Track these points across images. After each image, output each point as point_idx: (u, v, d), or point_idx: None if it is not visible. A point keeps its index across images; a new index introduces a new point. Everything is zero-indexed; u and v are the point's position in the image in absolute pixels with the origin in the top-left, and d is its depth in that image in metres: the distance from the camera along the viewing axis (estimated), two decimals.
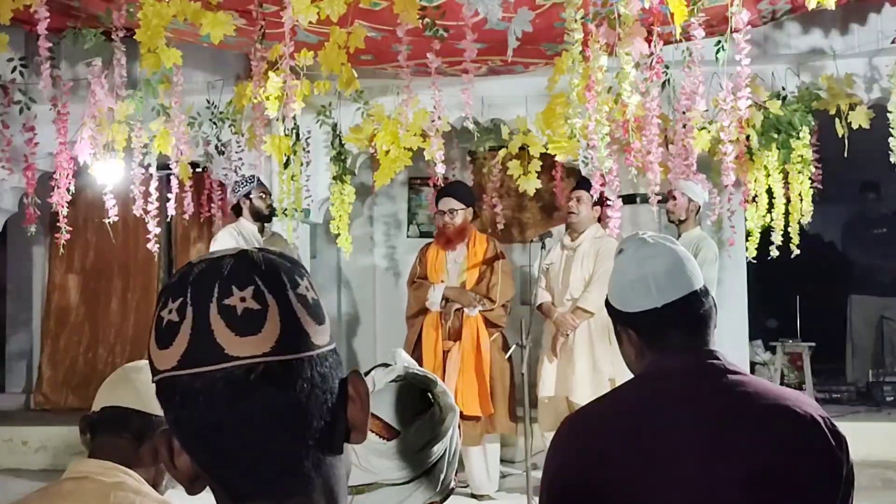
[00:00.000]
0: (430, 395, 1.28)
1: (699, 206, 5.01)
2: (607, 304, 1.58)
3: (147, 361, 1.87)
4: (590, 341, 4.86)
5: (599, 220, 5.18)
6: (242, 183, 5.28)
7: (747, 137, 5.31)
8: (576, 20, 3.67)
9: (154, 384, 0.79)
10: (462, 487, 4.95)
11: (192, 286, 0.77)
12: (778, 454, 1.36)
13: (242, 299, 0.75)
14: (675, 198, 4.87)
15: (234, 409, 0.75)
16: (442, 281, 5.08)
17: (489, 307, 5.04)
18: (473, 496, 5.06)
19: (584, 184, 5.15)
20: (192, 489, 0.80)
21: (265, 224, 5.40)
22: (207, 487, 0.81)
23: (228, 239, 5.18)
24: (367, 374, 1.30)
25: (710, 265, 4.75)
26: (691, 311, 1.48)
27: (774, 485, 1.34)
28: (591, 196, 4.97)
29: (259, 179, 5.34)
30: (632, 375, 1.58)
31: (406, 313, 5.25)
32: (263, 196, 5.28)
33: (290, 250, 5.49)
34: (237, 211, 5.31)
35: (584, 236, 5.00)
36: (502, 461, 5.79)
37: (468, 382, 4.87)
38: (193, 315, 0.75)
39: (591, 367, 4.82)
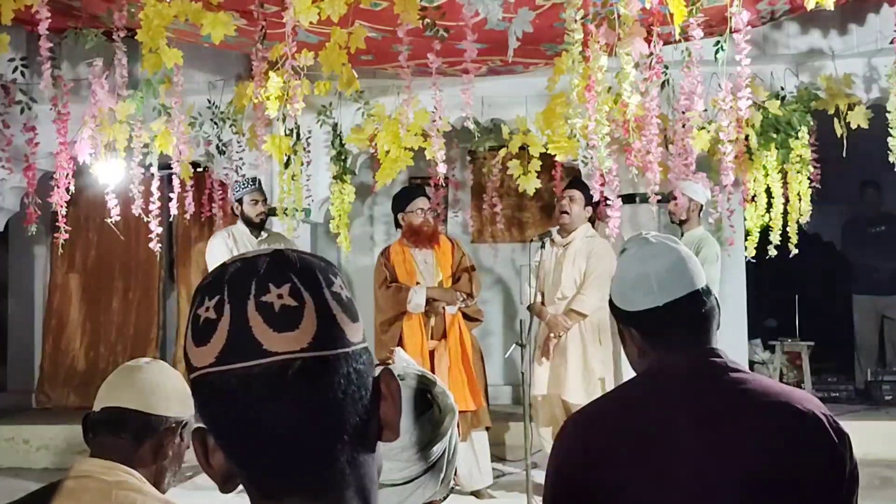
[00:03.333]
0: (429, 395, 1.29)
1: (701, 206, 5.02)
2: (610, 303, 1.59)
3: (147, 360, 1.88)
4: (581, 341, 4.88)
5: (592, 220, 5.20)
6: (238, 186, 5.28)
7: (746, 137, 5.32)
8: (576, 20, 3.68)
9: (189, 381, 0.80)
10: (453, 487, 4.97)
11: (229, 284, 0.78)
12: (781, 451, 1.37)
13: (279, 296, 0.76)
14: (676, 198, 4.89)
15: (272, 404, 0.75)
16: (418, 282, 5.09)
17: (470, 303, 5.12)
18: (473, 494, 5.08)
19: (576, 183, 5.18)
20: (225, 488, 0.81)
21: (262, 229, 5.38)
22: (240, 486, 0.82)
23: (220, 243, 5.18)
24: None
25: (712, 264, 4.76)
26: (693, 310, 1.49)
27: (778, 482, 1.35)
28: (584, 196, 5.01)
29: (258, 183, 5.31)
30: (623, 375, 1.59)
31: (378, 318, 5.15)
32: (255, 202, 5.23)
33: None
34: (234, 213, 5.32)
35: (574, 235, 5.02)
36: (501, 459, 5.81)
37: (456, 379, 4.92)
38: (231, 312, 0.76)
39: (583, 367, 4.85)
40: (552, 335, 4.91)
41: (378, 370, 0.85)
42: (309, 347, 0.76)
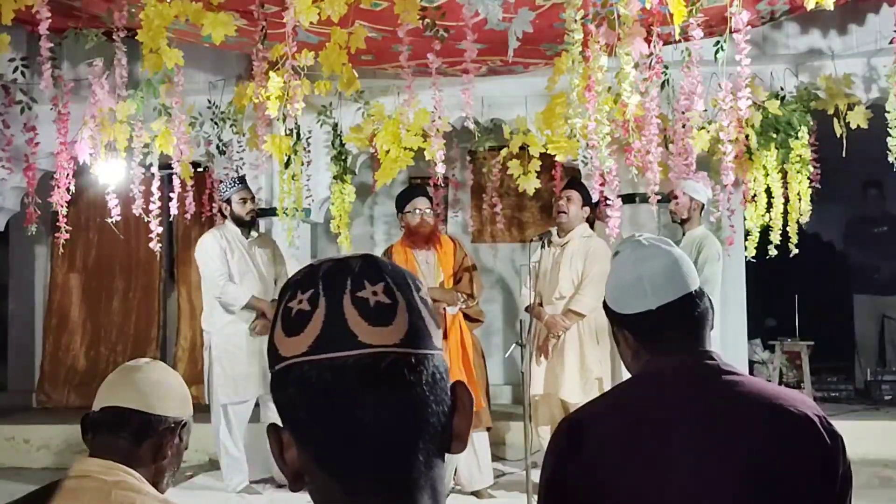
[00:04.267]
0: None
1: (702, 205, 5.02)
2: (604, 305, 1.59)
3: (146, 360, 1.88)
4: (579, 341, 4.88)
5: (591, 220, 5.21)
6: (225, 187, 5.28)
7: (746, 137, 5.32)
8: (576, 20, 3.68)
9: (273, 373, 0.80)
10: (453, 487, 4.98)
11: (324, 279, 0.80)
12: (774, 454, 1.37)
13: (374, 293, 0.78)
14: (676, 197, 4.89)
15: (362, 395, 0.77)
16: None
17: (471, 304, 5.13)
18: (473, 494, 5.08)
19: (573, 184, 5.19)
20: (296, 485, 0.81)
21: (251, 227, 5.39)
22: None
23: (212, 241, 5.19)
24: None
25: (713, 263, 4.77)
26: (687, 313, 1.49)
27: (770, 484, 1.35)
28: (581, 196, 5.02)
29: (244, 182, 5.32)
30: (621, 375, 1.60)
31: None
32: (244, 201, 5.25)
33: (278, 252, 5.50)
34: (223, 214, 5.32)
35: (572, 235, 5.02)
36: (501, 459, 5.82)
37: (457, 378, 4.91)
38: (327, 304, 0.78)
39: (580, 366, 4.85)
40: (551, 335, 4.92)
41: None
42: (401, 343, 0.78)
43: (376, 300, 0.78)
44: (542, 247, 4.90)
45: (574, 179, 5.40)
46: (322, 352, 0.77)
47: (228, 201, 5.25)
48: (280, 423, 0.82)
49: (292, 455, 0.80)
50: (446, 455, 0.84)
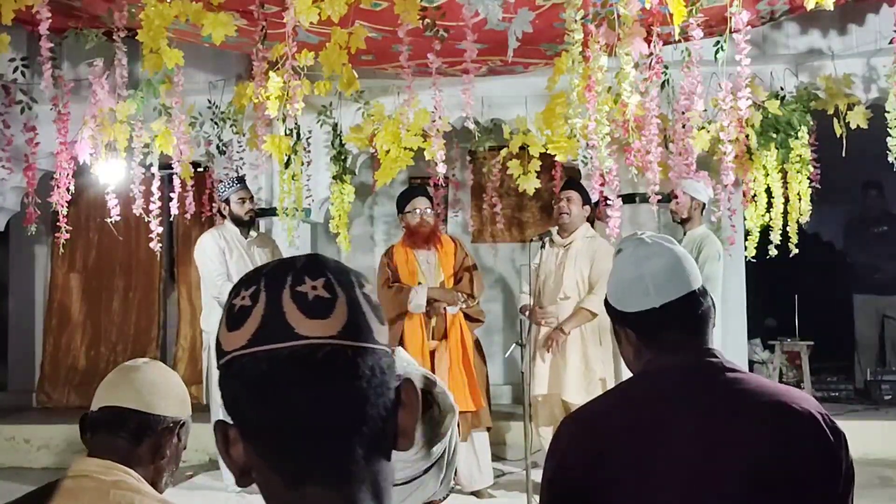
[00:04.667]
0: (429, 395, 1.29)
1: (703, 205, 5.02)
2: (606, 303, 1.59)
3: (144, 360, 1.89)
4: (582, 341, 4.89)
5: (591, 220, 5.21)
6: (224, 187, 5.29)
7: (746, 137, 5.32)
8: (576, 20, 3.68)
9: (218, 369, 0.82)
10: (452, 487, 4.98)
11: (266, 276, 0.81)
12: (776, 451, 1.37)
13: (314, 287, 0.80)
14: (677, 197, 4.89)
15: (299, 387, 0.78)
16: (419, 283, 5.10)
17: (472, 304, 5.13)
18: (473, 494, 5.08)
19: (572, 184, 5.19)
20: (243, 480, 0.82)
21: (250, 227, 5.40)
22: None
23: (211, 241, 5.20)
24: None
25: (714, 262, 4.77)
26: (689, 311, 1.49)
27: (773, 481, 1.35)
28: (581, 196, 5.03)
29: (243, 182, 5.34)
30: (624, 375, 1.60)
31: None
32: (242, 201, 5.26)
33: (277, 252, 5.51)
34: (222, 214, 5.33)
35: (575, 235, 5.03)
36: (501, 459, 5.82)
37: (457, 379, 4.92)
38: (266, 299, 0.79)
39: (583, 366, 4.85)
40: (550, 341, 4.89)
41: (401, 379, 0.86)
42: (339, 335, 0.78)
43: (315, 294, 0.79)
44: (542, 247, 4.91)
45: (572, 179, 5.40)
46: (260, 344, 0.78)
47: (227, 201, 5.26)
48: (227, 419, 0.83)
49: (238, 451, 0.81)
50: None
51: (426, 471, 1.26)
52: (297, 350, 0.77)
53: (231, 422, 0.82)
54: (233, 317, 0.80)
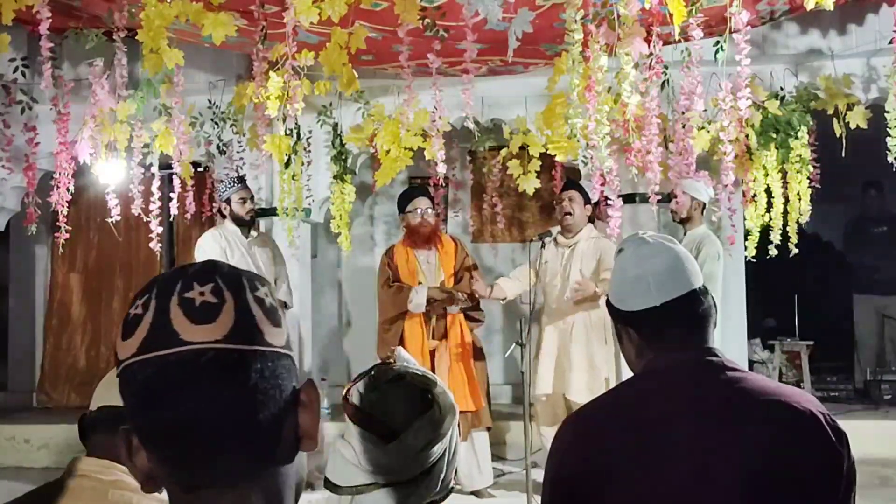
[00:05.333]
0: (429, 395, 1.30)
1: (704, 205, 5.03)
2: (607, 302, 1.60)
3: None
4: (587, 340, 4.89)
5: (591, 220, 5.21)
6: (225, 186, 5.29)
7: (746, 137, 5.32)
8: (576, 21, 3.69)
9: (117, 377, 0.82)
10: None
11: (158, 285, 0.83)
12: (777, 450, 1.37)
13: (202, 293, 0.80)
14: (677, 197, 4.90)
15: (185, 392, 0.78)
16: (420, 282, 5.11)
17: (472, 304, 5.13)
18: (473, 493, 5.09)
19: (573, 184, 5.20)
20: (147, 486, 0.83)
21: (251, 227, 5.40)
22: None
23: (212, 241, 5.20)
24: (367, 373, 1.32)
25: (713, 261, 4.77)
26: (690, 310, 1.50)
27: (774, 480, 1.35)
28: (582, 196, 5.03)
29: (244, 182, 5.34)
30: (629, 374, 1.59)
31: (380, 318, 5.21)
32: (243, 201, 5.26)
33: (277, 252, 5.51)
34: (222, 213, 5.33)
35: (580, 235, 5.04)
36: (501, 458, 5.82)
37: (456, 379, 4.93)
38: (155, 307, 0.80)
39: (588, 366, 4.86)
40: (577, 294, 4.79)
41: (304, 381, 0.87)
42: (224, 340, 0.79)
43: (202, 300, 0.80)
44: (543, 247, 4.91)
45: (572, 180, 5.40)
46: (148, 352, 0.79)
47: (228, 201, 5.26)
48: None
49: (141, 458, 0.82)
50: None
51: (427, 471, 1.26)
52: (182, 356, 0.78)
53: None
54: (126, 326, 0.82)
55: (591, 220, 5.23)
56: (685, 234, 4.99)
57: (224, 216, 5.31)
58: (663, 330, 1.50)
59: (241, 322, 0.80)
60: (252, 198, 5.38)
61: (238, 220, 5.27)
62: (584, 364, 4.87)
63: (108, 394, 1.76)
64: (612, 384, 4.72)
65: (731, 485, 1.36)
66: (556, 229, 5.13)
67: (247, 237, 5.33)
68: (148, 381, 0.79)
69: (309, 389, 0.85)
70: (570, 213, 5.04)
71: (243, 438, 0.80)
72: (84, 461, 1.68)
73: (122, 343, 0.81)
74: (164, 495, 1.78)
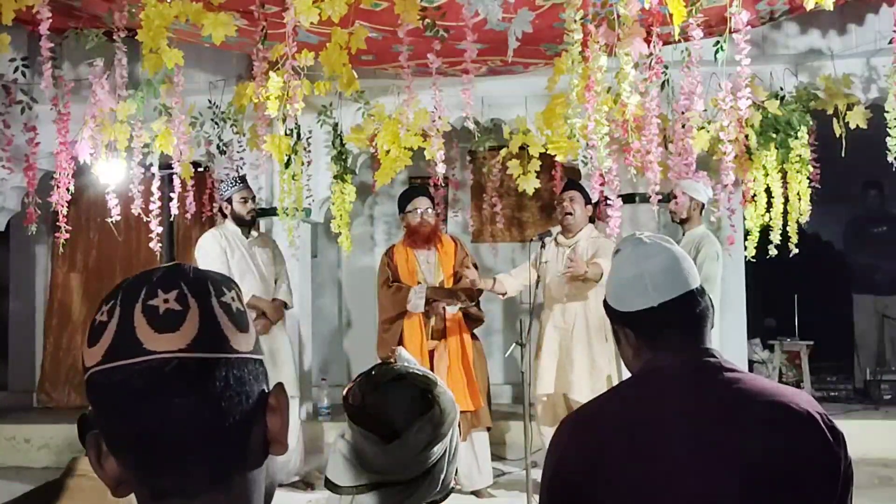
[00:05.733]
0: (430, 395, 1.30)
1: (702, 205, 5.03)
2: (605, 303, 1.60)
3: None
4: (587, 339, 4.90)
5: (591, 219, 5.21)
6: (226, 186, 5.30)
7: (746, 137, 5.32)
8: (575, 21, 3.69)
9: (84, 383, 0.83)
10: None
11: (123, 291, 0.82)
12: (775, 451, 1.37)
13: (166, 301, 0.80)
14: (676, 197, 4.90)
15: (150, 401, 0.78)
16: (419, 282, 5.11)
17: (471, 304, 5.13)
18: (473, 493, 5.09)
19: (573, 184, 5.20)
20: (117, 492, 0.83)
21: (252, 227, 5.41)
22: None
23: (212, 241, 5.20)
24: (367, 373, 1.32)
25: (712, 262, 4.77)
26: (688, 311, 1.49)
27: (772, 481, 1.36)
28: (582, 196, 5.03)
29: (245, 182, 5.35)
30: (626, 374, 1.60)
31: (380, 317, 5.22)
32: (245, 200, 5.27)
33: (278, 252, 5.51)
34: (223, 213, 5.33)
35: (580, 235, 5.04)
36: (501, 458, 5.82)
37: (456, 379, 4.93)
38: (120, 314, 0.80)
39: (590, 365, 4.86)
40: (570, 269, 4.74)
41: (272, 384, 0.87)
42: (187, 349, 0.78)
43: (167, 307, 0.79)
44: (543, 246, 4.91)
45: (572, 180, 5.41)
46: (112, 360, 0.79)
47: (229, 200, 5.26)
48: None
49: (111, 464, 0.82)
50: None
51: (427, 471, 1.27)
52: (145, 365, 0.78)
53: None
54: (92, 332, 0.81)
55: (591, 220, 5.23)
56: (683, 234, 4.99)
57: (225, 216, 5.32)
58: (660, 330, 1.50)
59: (205, 330, 0.80)
60: (254, 198, 5.39)
61: (239, 220, 5.27)
62: (585, 364, 4.87)
63: None
64: (614, 382, 4.73)
65: (729, 485, 1.36)
66: (556, 229, 5.13)
67: (247, 237, 5.34)
68: (112, 390, 0.79)
69: (278, 393, 0.85)
70: (570, 214, 5.04)
71: (209, 446, 0.80)
72: (83, 461, 1.68)
73: (87, 350, 0.81)
74: None
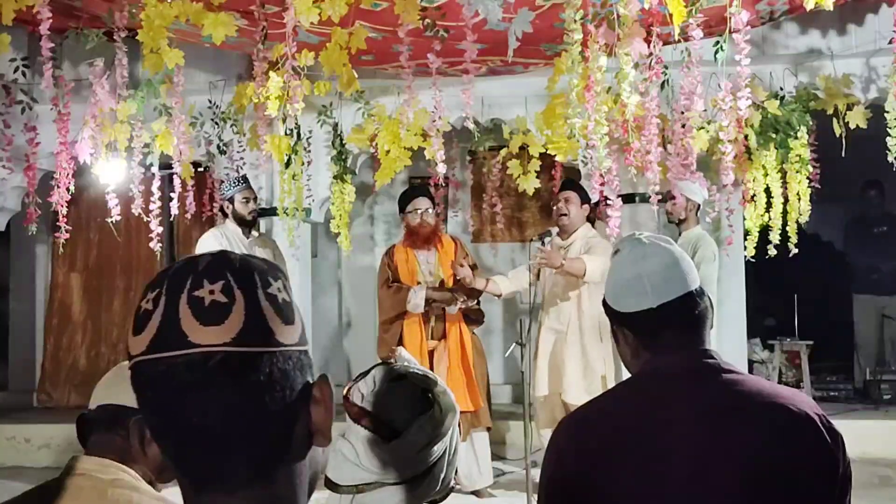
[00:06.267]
0: (430, 394, 1.30)
1: (698, 205, 5.03)
2: (604, 304, 1.60)
3: None
4: (580, 341, 4.88)
5: (591, 220, 5.21)
6: (228, 185, 5.30)
7: (745, 137, 5.33)
8: (575, 21, 3.69)
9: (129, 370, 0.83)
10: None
11: (169, 279, 0.81)
12: (773, 452, 1.37)
13: (211, 292, 0.79)
14: (674, 198, 4.90)
15: (193, 394, 0.78)
16: (419, 282, 5.11)
17: (470, 304, 5.13)
18: (473, 493, 5.09)
19: (570, 184, 5.18)
20: (160, 478, 0.83)
21: (253, 227, 5.41)
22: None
23: (212, 241, 5.20)
24: (367, 372, 1.32)
25: (709, 263, 4.77)
26: (687, 311, 1.49)
27: (770, 482, 1.36)
28: (579, 196, 5.03)
29: (247, 181, 5.35)
30: (625, 374, 1.59)
31: (380, 317, 5.22)
32: (247, 200, 5.27)
33: (278, 252, 5.51)
34: (224, 213, 5.34)
35: (575, 235, 5.03)
36: (501, 458, 5.82)
37: (456, 379, 4.93)
38: (165, 304, 0.79)
39: (583, 367, 4.85)
40: (540, 258, 4.69)
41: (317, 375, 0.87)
42: (232, 342, 0.78)
43: (212, 299, 0.79)
44: (542, 246, 4.90)
45: (570, 180, 5.40)
46: (156, 351, 0.79)
47: (231, 200, 5.27)
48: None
49: (154, 449, 0.83)
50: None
51: (427, 470, 1.27)
52: (190, 358, 0.77)
53: None
54: (137, 320, 0.81)
55: (590, 220, 5.23)
56: (680, 235, 5.00)
57: (226, 215, 5.32)
58: (659, 331, 1.49)
59: (250, 323, 0.79)
60: (255, 198, 5.40)
61: (240, 220, 5.27)
62: (578, 366, 4.86)
63: (107, 392, 1.76)
64: (610, 383, 4.73)
65: (727, 487, 1.36)
66: (555, 229, 5.13)
67: (248, 237, 5.34)
68: (156, 381, 0.79)
69: (322, 385, 0.85)
70: (564, 214, 5.03)
71: (251, 439, 0.80)
72: (83, 460, 1.68)
73: (132, 338, 0.81)
74: (164, 493, 1.78)
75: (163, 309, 0.79)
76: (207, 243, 5.22)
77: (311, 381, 0.85)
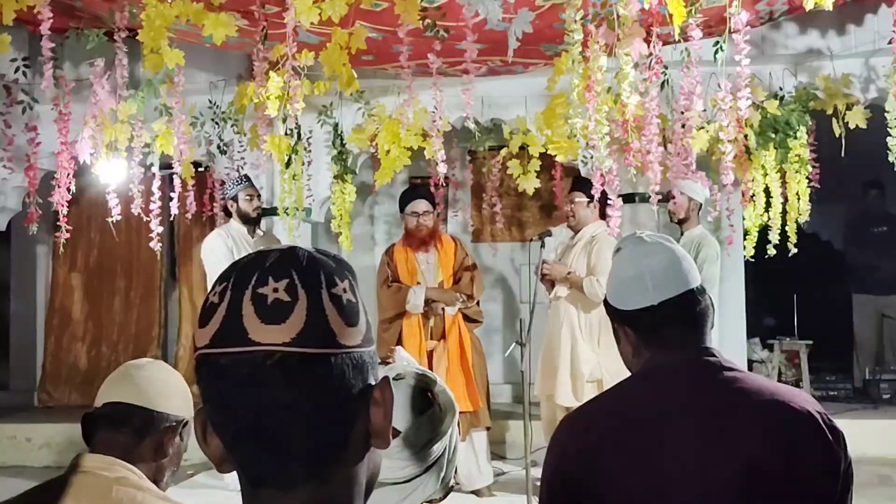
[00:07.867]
0: (429, 394, 1.30)
1: (700, 205, 5.03)
2: (605, 301, 1.60)
3: (148, 359, 1.89)
4: (571, 343, 4.88)
5: (602, 216, 5.22)
6: (231, 185, 5.31)
7: (745, 137, 5.33)
8: (575, 21, 3.70)
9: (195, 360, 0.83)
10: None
11: (237, 273, 0.81)
12: (774, 450, 1.37)
13: (275, 290, 0.79)
14: (675, 197, 4.91)
15: (251, 392, 0.78)
16: (418, 283, 5.11)
17: (470, 304, 5.13)
18: (473, 493, 5.09)
19: (577, 184, 5.17)
20: (222, 468, 0.84)
21: (257, 225, 5.42)
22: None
23: (218, 241, 5.21)
24: None
25: (712, 263, 4.77)
26: (688, 309, 1.50)
27: (771, 480, 1.36)
28: (587, 195, 5.03)
29: (249, 180, 5.36)
30: (621, 375, 1.60)
31: (379, 317, 5.22)
32: (250, 198, 5.28)
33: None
34: (227, 212, 5.34)
35: (583, 233, 5.05)
36: (501, 458, 5.83)
37: (455, 379, 4.94)
38: (230, 299, 0.80)
39: (572, 370, 4.85)
40: (545, 271, 4.89)
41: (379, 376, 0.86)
42: (291, 342, 0.78)
43: (275, 297, 0.78)
44: (542, 246, 4.91)
45: (577, 179, 5.38)
46: (218, 346, 0.79)
47: (235, 198, 5.28)
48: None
49: (215, 441, 0.83)
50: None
51: (427, 470, 1.27)
52: (249, 356, 0.77)
53: None
54: (204, 313, 0.81)
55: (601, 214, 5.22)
56: (681, 234, 5.00)
57: (229, 214, 5.33)
58: (661, 329, 1.50)
59: (312, 323, 0.78)
60: (259, 196, 5.41)
61: (245, 218, 5.28)
62: (567, 369, 4.86)
63: (112, 390, 1.76)
64: (608, 384, 4.73)
65: (728, 484, 1.36)
66: (555, 229, 5.14)
67: (252, 236, 5.35)
68: (216, 375, 0.79)
69: (383, 387, 0.84)
70: (571, 216, 5.07)
71: (308, 439, 0.80)
72: (88, 458, 1.68)
73: (198, 329, 0.82)
74: (168, 493, 1.78)
75: (227, 304, 0.79)
76: (214, 243, 5.22)
77: (373, 383, 0.84)
